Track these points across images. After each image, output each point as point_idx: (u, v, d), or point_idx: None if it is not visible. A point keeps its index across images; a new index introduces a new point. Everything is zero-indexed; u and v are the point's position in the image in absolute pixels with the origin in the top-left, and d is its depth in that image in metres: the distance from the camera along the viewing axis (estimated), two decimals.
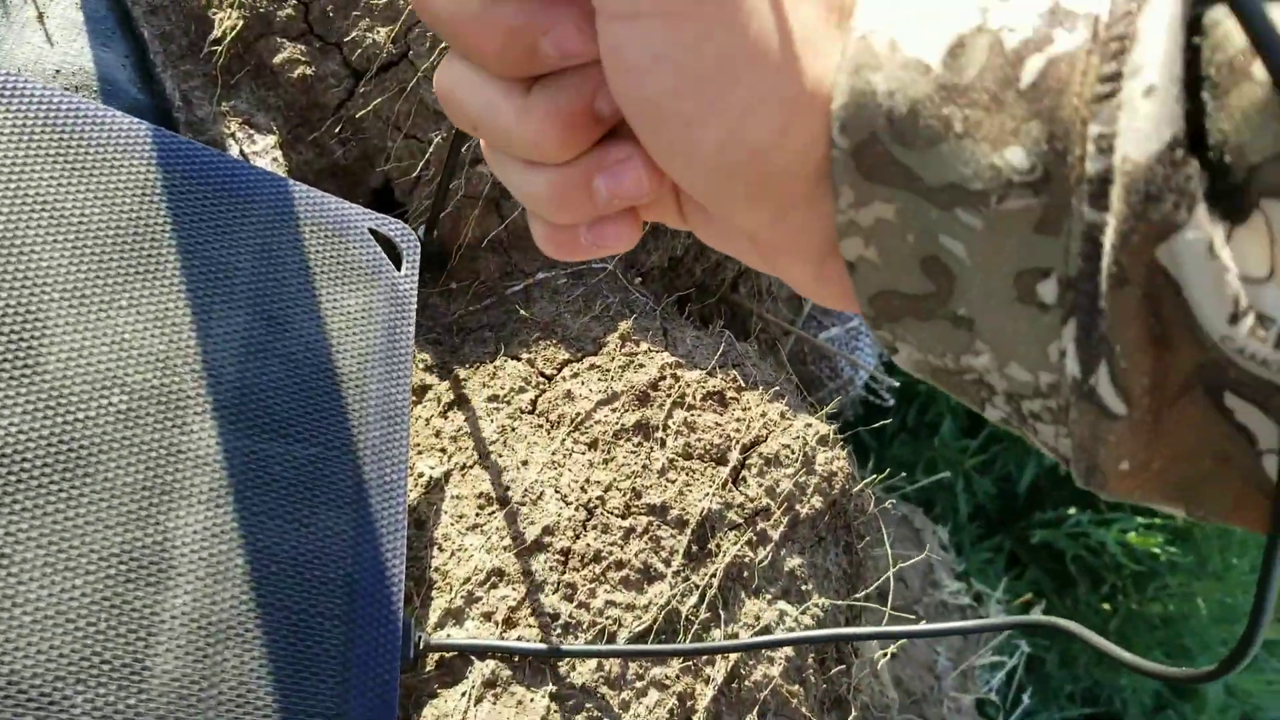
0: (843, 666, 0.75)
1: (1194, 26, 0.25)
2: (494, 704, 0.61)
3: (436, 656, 0.62)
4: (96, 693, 0.49)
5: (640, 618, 0.65)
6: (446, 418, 0.73)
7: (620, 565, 0.66)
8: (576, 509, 0.67)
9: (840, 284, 0.33)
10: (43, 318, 0.54)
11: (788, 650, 0.70)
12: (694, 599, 0.67)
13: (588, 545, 0.66)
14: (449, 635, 0.62)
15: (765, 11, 0.30)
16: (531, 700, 0.61)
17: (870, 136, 0.29)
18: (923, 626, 0.76)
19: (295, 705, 0.54)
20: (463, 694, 0.61)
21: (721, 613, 0.68)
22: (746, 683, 0.68)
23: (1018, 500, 2.06)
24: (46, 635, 0.48)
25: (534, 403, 0.73)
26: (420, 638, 0.61)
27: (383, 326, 0.68)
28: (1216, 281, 0.24)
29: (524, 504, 0.67)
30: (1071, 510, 2.04)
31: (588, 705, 0.62)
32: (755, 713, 0.67)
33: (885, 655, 0.77)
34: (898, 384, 1.50)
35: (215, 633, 0.53)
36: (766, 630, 0.69)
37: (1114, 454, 0.28)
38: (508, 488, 0.68)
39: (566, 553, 0.66)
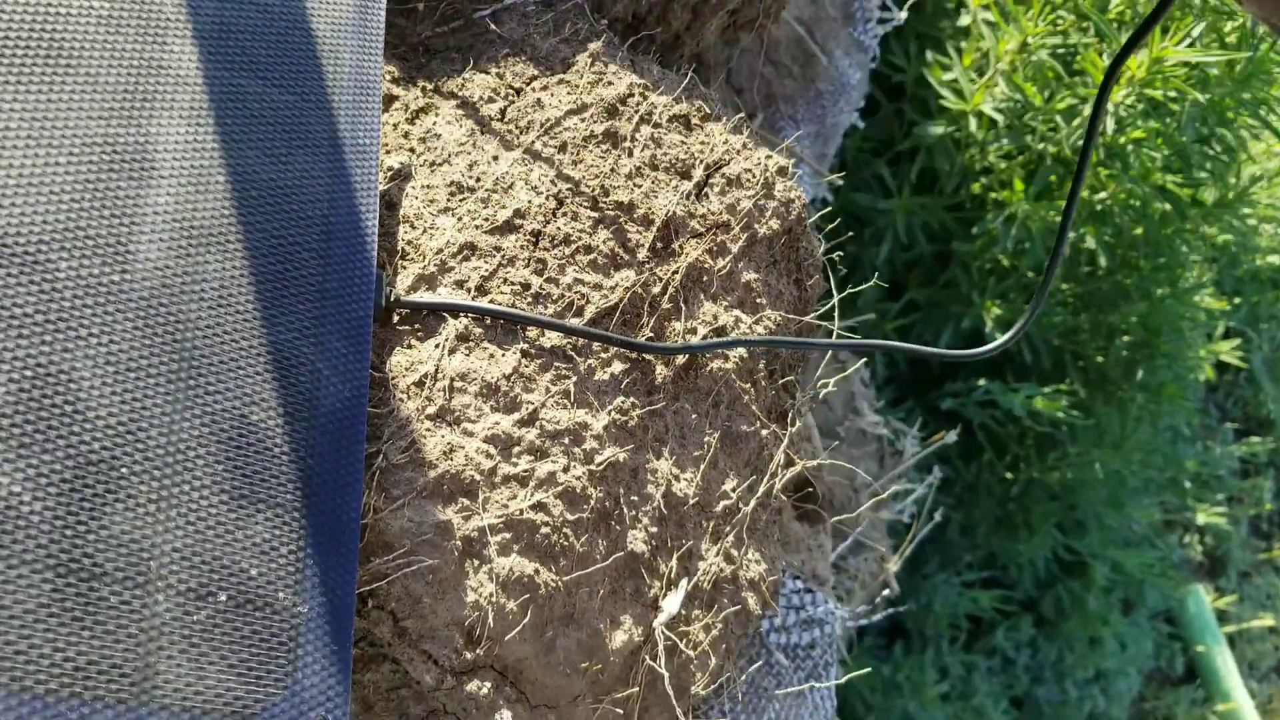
0: (790, 378, 0.78)
1: None
2: (467, 355, 0.62)
3: (407, 314, 0.63)
4: (81, 263, 0.49)
5: (607, 297, 0.67)
6: (415, 123, 0.73)
7: (589, 250, 0.68)
8: (547, 198, 0.68)
9: None
10: None
11: (741, 352, 0.73)
12: (657, 289, 0.69)
13: (558, 229, 0.67)
14: (422, 297, 0.63)
15: None
16: (503, 355, 0.63)
17: None
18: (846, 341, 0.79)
19: (274, 318, 0.55)
20: (436, 345, 0.62)
21: (683, 307, 0.70)
22: (703, 371, 0.70)
23: (931, 370, 2.13)
24: (30, 201, 0.48)
25: (503, 111, 0.74)
26: (391, 292, 0.62)
27: (354, 2, 0.67)
28: None
29: (495, 191, 0.68)
30: (982, 381, 2.12)
31: (556, 365, 0.64)
32: (710, 400, 0.70)
33: (825, 386, 0.80)
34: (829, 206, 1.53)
35: (198, 236, 0.53)
36: (722, 330, 0.72)
37: None
38: (478, 178, 0.69)
39: (537, 234, 0.67)
